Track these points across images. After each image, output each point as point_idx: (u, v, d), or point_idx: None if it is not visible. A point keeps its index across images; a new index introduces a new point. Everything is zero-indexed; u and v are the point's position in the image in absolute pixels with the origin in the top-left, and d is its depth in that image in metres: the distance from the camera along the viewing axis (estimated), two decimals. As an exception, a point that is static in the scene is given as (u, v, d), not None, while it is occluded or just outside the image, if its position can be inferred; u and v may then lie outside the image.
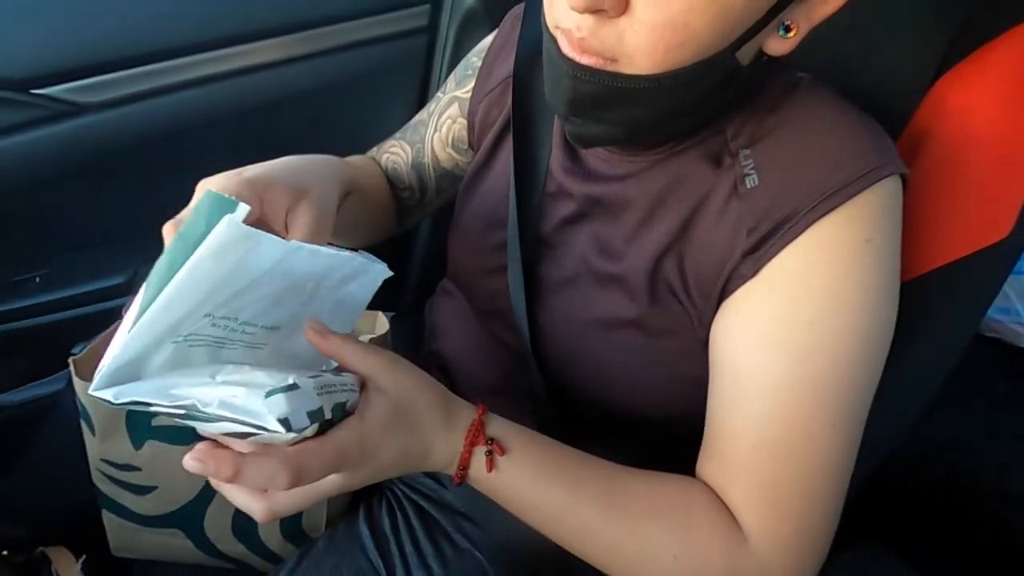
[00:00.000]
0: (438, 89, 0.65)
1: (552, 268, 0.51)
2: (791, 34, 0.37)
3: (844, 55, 0.50)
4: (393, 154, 0.66)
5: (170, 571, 0.69)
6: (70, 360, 0.49)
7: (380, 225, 0.66)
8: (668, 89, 0.35)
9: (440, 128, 0.62)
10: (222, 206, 0.31)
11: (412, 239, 0.98)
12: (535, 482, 0.40)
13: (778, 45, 0.38)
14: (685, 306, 0.43)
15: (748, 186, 0.40)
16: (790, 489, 0.39)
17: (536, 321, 0.51)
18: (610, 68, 0.35)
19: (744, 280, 0.40)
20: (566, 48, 0.36)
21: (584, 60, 0.36)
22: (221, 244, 0.30)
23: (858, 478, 0.43)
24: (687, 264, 0.43)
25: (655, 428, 0.51)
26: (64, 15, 0.78)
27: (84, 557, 0.70)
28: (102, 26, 0.79)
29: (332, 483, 0.35)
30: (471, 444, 0.39)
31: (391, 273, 0.40)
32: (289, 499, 0.34)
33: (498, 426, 0.41)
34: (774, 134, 0.40)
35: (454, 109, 0.61)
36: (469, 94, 0.60)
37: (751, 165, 0.40)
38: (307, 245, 0.34)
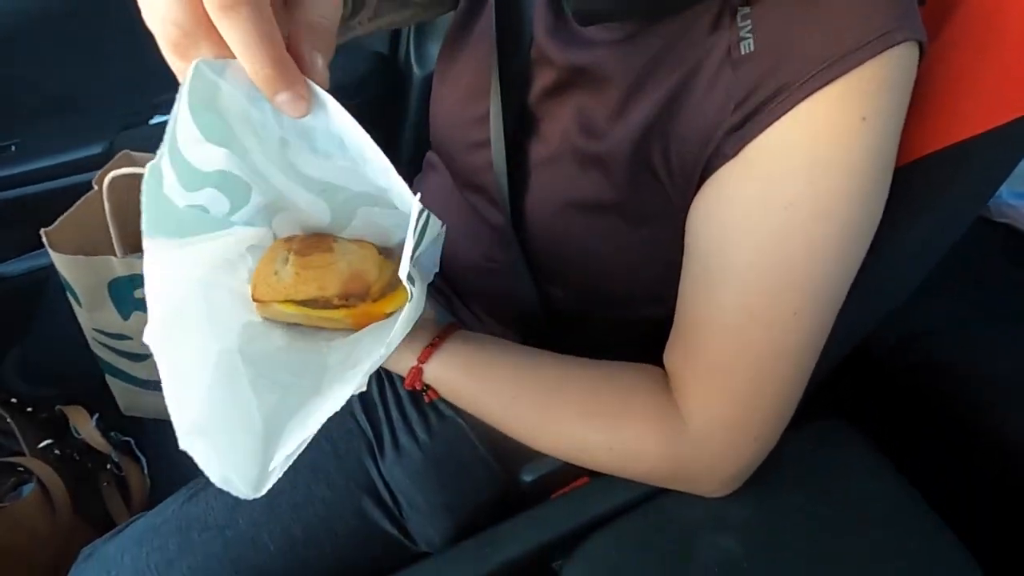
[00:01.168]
0: None
1: (536, 144, 0.48)
2: None
3: None
4: None
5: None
6: (42, 232, 0.49)
7: None
8: None
9: None
10: None
11: (403, 111, 0.93)
12: (476, 398, 0.45)
13: None
14: (668, 190, 0.41)
15: (742, 52, 0.35)
16: (741, 375, 0.39)
17: (518, 199, 0.49)
18: None
19: (725, 159, 0.37)
20: None
21: None
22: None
23: (830, 361, 0.43)
24: (672, 143, 0.39)
25: (634, 312, 0.51)
26: None
27: (97, 415, 0.75)
28: None
29: None
30: (411, 382, 0.44)
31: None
32: None
33: (444, 352, 0.44)
34: None
35: None
36: None
37: (748, 27, 0.35)
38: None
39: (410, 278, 0.29)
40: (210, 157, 0.29)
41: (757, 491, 0.45)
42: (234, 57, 0.26)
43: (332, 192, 0.34)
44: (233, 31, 0.25)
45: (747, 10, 0.36)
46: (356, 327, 0.37)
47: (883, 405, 0.69)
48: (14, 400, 0.79)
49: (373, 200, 0.34)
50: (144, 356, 0.59)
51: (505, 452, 0.56)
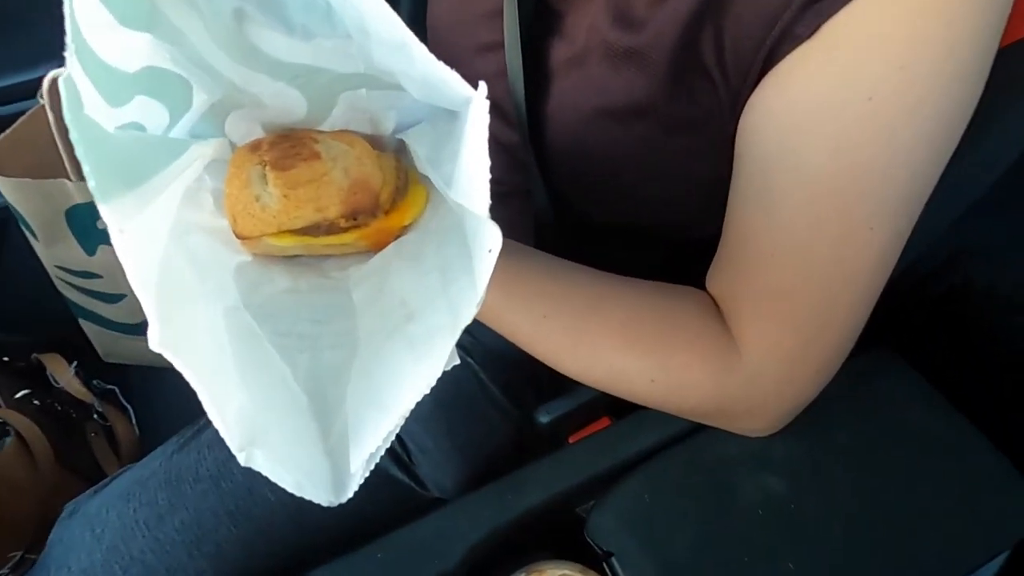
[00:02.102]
0: None
1: (559, 43, 0.41)
2: None
3: None
4: None
5: (165, 372, 0.69)
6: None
7: None
8: None
9: None
10: None
11: (393, 6, 0.84)
12: (500, 312, 0.38)
13: None
14: (718, 88, 0.35)
15: None
16: (805, 300, 0.34)
17: (536, 110, 0.42)
18: None
19: (797, 42, 0.30)
20: None
21: None
22: None
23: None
24: (727, 28, 0.33)
25: (663, 237, 0.46)
26: None
27: (76, 363, 0.70)
28: None
29: None
30: None
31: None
32: None
33: None
34: None
35: None
36: None
37: None
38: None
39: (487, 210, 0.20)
40: (131, 49, 0.22)
41: (800, 427, 0.41)
42: None
43: (308, 77, 0.27)
44: None
45: None
46: (373, 249, 0.31)
47: (923, 329, 0.65)
48: (-12, 350, 0.74)
49: (362, 81, 0.27)
50: (119, 296, 0.53)
51: (519, 392, 0.53)
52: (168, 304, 0.20)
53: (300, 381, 0.24)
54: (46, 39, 0.73)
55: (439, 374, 0.21)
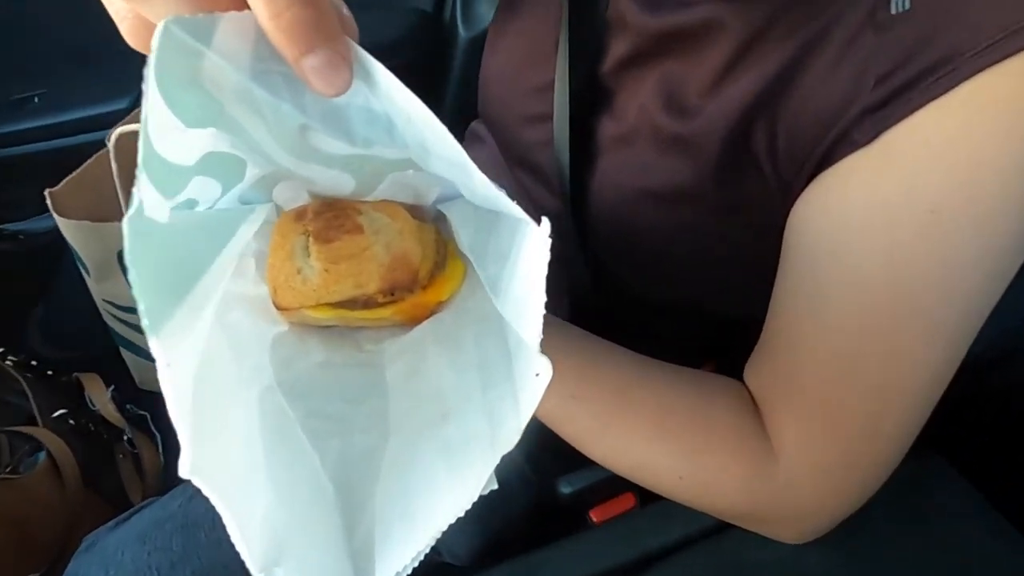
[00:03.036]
0: None
1: (607, 121, 0.41)
2: None
3: None
4: None
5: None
6: (46, 194, 0.44)
7: None
8: None
9: None
10: None
11: (445, 75, 0.86)
12: None
13: None
14: (768, 179, 0.34)
15: (893, 10, 0.28)
16: (850, 412, 0.32)
17: (580, 183, 0.42)
18: None
19: (854, 147, 0.29)
20: None
21: None
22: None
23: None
24: (781, 123, 0.32)
25: (702, 314, 0.44)
26: None
27: (113, 387, 0.72)
28: None
29: None
30: None
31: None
32: None
33: None
34: None
35: None
36: None
37: None
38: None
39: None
40: (194, 145, 0.22)
41: (839, 536, 0.38)
42: (213, 3, 0.18)
43: (360, 164, 0.27)
44: None
45: None
46: (408, 323, 0.31)
47: (974, 428, 0.61)
48: (34, 363, 0.77)
49: (410, 165, 0.27)
50: (158, 332, 0.55)
51: (540, 460, 0.51)
52: (203, 416, 0.20)
53: (329, 469, 0.24)
54: (118, 76, 0.78)
55: (475, 497, 0.20)
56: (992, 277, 0.30)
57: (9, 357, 0.77)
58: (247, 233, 0.27)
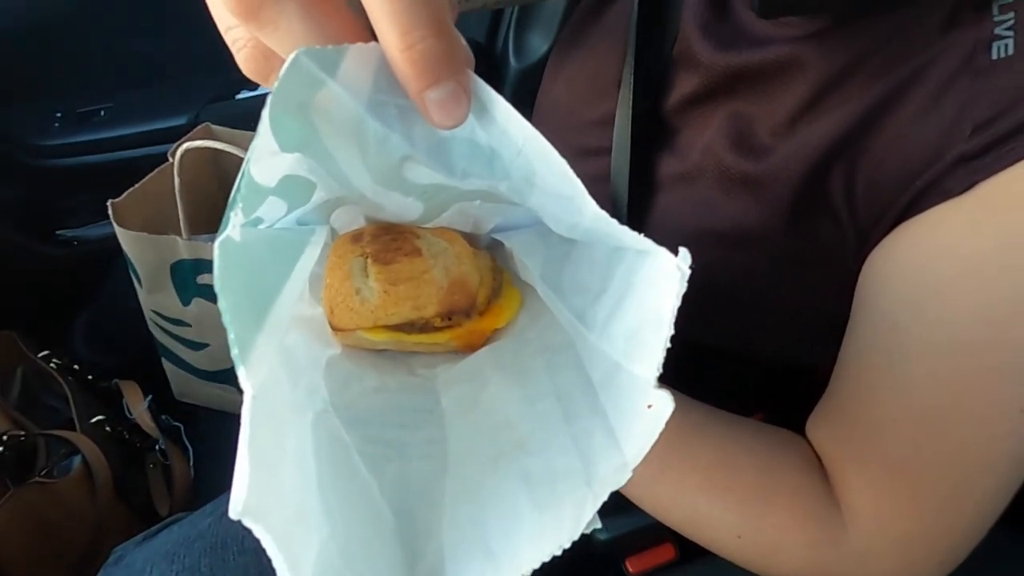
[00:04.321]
0: None
1: (669, 157, 0.40)
2: None
3: None
4: None
5: (229, 420, 0.71)
6: (108, 204, 0.45)
7: None
8: None
9: None
10: None
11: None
12: None
13: None
14: (843, 227, 0.33)
15: (995, 56, 0.27)
16: (931, 479, 0.30)
17: (638, 220, 0.41)
18: None
19: (946, 196, 0.28)
20: None
21: None
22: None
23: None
24: (862, 168, 0.31)
25: (758, 360, 0.43)
26: None
27: (151, 397, 0.72)
28: None
29: None
30: None
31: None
32: None
33: None
34: None
35: None
36: None
37: (1010, 22, 0.26)
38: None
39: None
40: (278, 167, 0.22)
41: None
42: (342, 29, 0.18)
43: (435, 192, 0.27)
44: None
45: (1009, 1, 0.27)
46: (463, 350, 0.30)
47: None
48: (76, 367, 0.78)
49: (480, 195, 0.27)
50: (202, 344, 0.55)
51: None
52: (259, 446, 0.19)
53: (386, 495, 0.23)
54: (180, 93, 0.80)
55: (575, 536, 0.18)
56: None
57: (53, 360, 0.78)
58: (312, 255, 0.27)
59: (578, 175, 0.52)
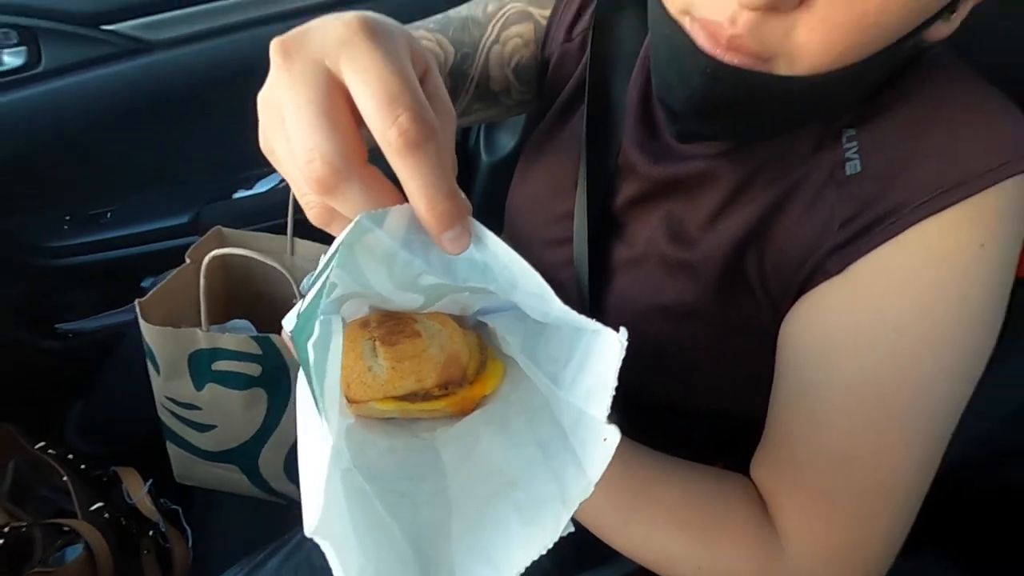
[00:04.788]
0: None
1: (620, 246, 0.47)
2: (955, 15, 0.32)
3: (993, 29, 0.43)
4: (426, 47, 0.58)
5: (227, 500, 0.73)
6: (136, 302, 0.51)
7: None
8: (820, 87, 0.31)
9: (504, 42, 0.52)
10: None
11: (468, 196, 0.96)
12: None
13: (942, 28, 0.32)
14: (760, 300, 0.40)
15: (848, 172, 0.36)
16: (845, 502, 0.36)
17: (598, 299, 0.48)
18: (760, 68, 0.30)
19: (827, 276, 0.36)
20: (705, 43, 0.31)
21: (730, 59, 0.30)
22: None
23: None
24: (768, 254, 0.39)
25: (709, 416, 0.49)
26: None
27: (151, 481, 0.75)
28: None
29: None
30: None
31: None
32: None
33: None
34: (887, 114, 0.36)
35: (527, 29, 0.51)
36: (547, 17, 0.51)
37: (855, 148, 0.36)
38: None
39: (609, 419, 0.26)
40: (319, 276, 0.29)
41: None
42: (385, 197, 0.26)
43: (435, 289, 0.34)
44: (418, 168, 0.24)
45: (852, 132, 0.36)
46: (458, 414, 0.36)
47: (970, 526, 0.63)
48: (71, 456, 0.80)
49: (468, 288, 0.33)
50: (210, 427, 0.59)
51: (561, 553, 0.53)
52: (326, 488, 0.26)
53: (406, 534, 0.28)
54: (186, 194, 0.87)
55: (555, 538, 0.25)
56: (956, 386, 0.35)
57: (49, 450, 0.80)
58: (340, 341, 0.34)
59: (547, 262, 0.60)
